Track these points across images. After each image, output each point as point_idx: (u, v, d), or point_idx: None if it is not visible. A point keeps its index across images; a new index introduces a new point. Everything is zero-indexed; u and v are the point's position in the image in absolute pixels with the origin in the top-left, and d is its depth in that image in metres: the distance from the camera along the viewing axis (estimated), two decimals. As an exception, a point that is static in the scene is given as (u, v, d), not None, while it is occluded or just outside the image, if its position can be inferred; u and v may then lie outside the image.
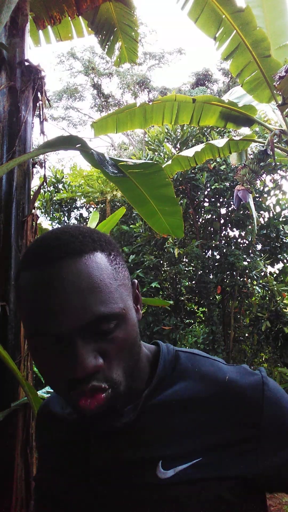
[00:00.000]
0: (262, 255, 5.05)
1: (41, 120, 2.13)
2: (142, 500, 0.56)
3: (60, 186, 6.28)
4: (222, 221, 5.17)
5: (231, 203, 4.74)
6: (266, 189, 5.16)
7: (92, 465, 0.60)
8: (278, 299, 4.72)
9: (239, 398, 0.59)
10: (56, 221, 6.32)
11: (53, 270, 0.51)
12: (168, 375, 0.62)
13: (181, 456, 0.56)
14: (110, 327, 0.52)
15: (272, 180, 5.18)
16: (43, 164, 2.24)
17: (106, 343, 0.52)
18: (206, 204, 5.19)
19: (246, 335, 5.07)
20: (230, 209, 5.06)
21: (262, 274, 4.91)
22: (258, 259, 4.88)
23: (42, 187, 2.26)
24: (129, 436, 0.59)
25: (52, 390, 0.73)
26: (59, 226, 0.58)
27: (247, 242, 5.13)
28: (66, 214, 6.41)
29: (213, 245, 5.00)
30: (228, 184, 4.81)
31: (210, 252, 5.16)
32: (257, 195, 5.03)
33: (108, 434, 0.60)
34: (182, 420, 0.58)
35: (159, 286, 4.82)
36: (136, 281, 0.64)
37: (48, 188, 6.09)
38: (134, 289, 0.63)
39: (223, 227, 5.21)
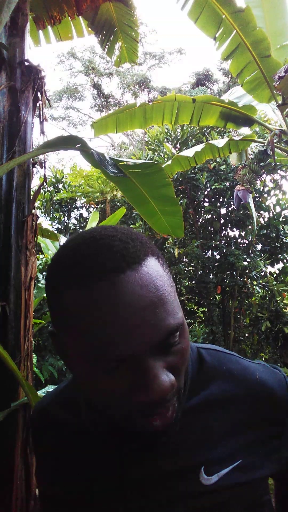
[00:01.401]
0: (262, 255, 5.05)
1: (41, 120, 2.13)
2: (188, 509, 0.53)
3: (60, 186, 6.28)
4: (222, 221, 5.17)
5: (231, 203, 4.73)
6: (266, 189, 5.16)
7: (128, 479, 0.55)
8: (278, 299, 4.72)
9: (270, 397, 0.60)
10: (56, 221, 6.32)
11: (115, 285, 0.44)
12: (195, 375, 0.60)
13: (222, 459, 0.55)
14: (175, 339, 0.48)
15: (272, 180, 5.18)
16: (43, 164, 2.24)
17: (171, 356, 0.47)
18: (206, 204, 5.19)
19: (246, 335, 5.07)
20: (230, 209, 5.06)
21: (262, 274, 4.90)
22: (258, 259, 4.87)
23: (42, 187, 2.26)
24: (167, 444, 0.55)
25: (49, 390, 0.69)
26: (89, 229, 0.54)
27: (247, 242, 5.13)
28: (66, 214, 6.40)
29: (213, 245, 4.99)
30: (228, 184, 4.80)
31: (210, 252, 5.16)
32: (257, 195, 5.03)
33: (145, 445, 0.55)
34: (218, 422, 0.57)
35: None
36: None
37: (48, 188, 6.09)
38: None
39: (223, 227, 5.21)
